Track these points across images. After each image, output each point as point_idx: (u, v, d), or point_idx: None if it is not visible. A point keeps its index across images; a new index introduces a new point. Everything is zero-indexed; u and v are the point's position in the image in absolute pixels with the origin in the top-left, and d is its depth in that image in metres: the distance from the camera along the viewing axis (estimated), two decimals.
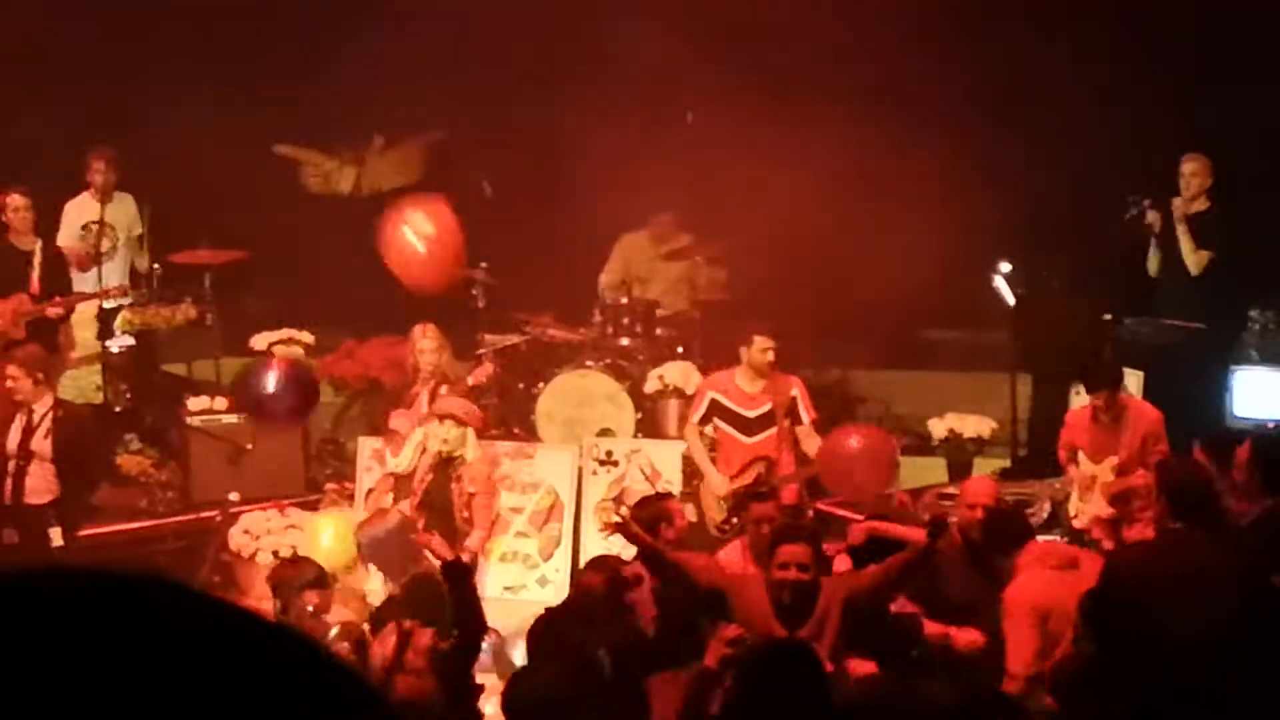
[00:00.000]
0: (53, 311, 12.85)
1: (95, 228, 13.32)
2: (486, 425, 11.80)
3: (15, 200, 12.87)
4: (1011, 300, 12.79)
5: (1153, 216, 12.21)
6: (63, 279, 13.07)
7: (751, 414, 11.34)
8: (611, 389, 12.95)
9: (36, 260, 12.87)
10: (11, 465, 11.07)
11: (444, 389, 11.72)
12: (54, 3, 14.66)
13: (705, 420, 11.51)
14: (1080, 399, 11.25)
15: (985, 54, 13.87)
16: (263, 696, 1.09)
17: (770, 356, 11.26)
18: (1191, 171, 12.26)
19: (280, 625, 1.15)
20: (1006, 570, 8.68)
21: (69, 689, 1.04)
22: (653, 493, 11.09)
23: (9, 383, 11.12)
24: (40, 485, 11.08)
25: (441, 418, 10.98)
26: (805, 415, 11.37)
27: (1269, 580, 7.82)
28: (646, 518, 9.47)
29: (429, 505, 10.84)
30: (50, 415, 11.11)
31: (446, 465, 10.90)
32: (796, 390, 11.42)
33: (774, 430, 11.30)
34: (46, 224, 13.23)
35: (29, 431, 11.08)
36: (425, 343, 11.97)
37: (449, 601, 8.27)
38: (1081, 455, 10.90)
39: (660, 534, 9.38)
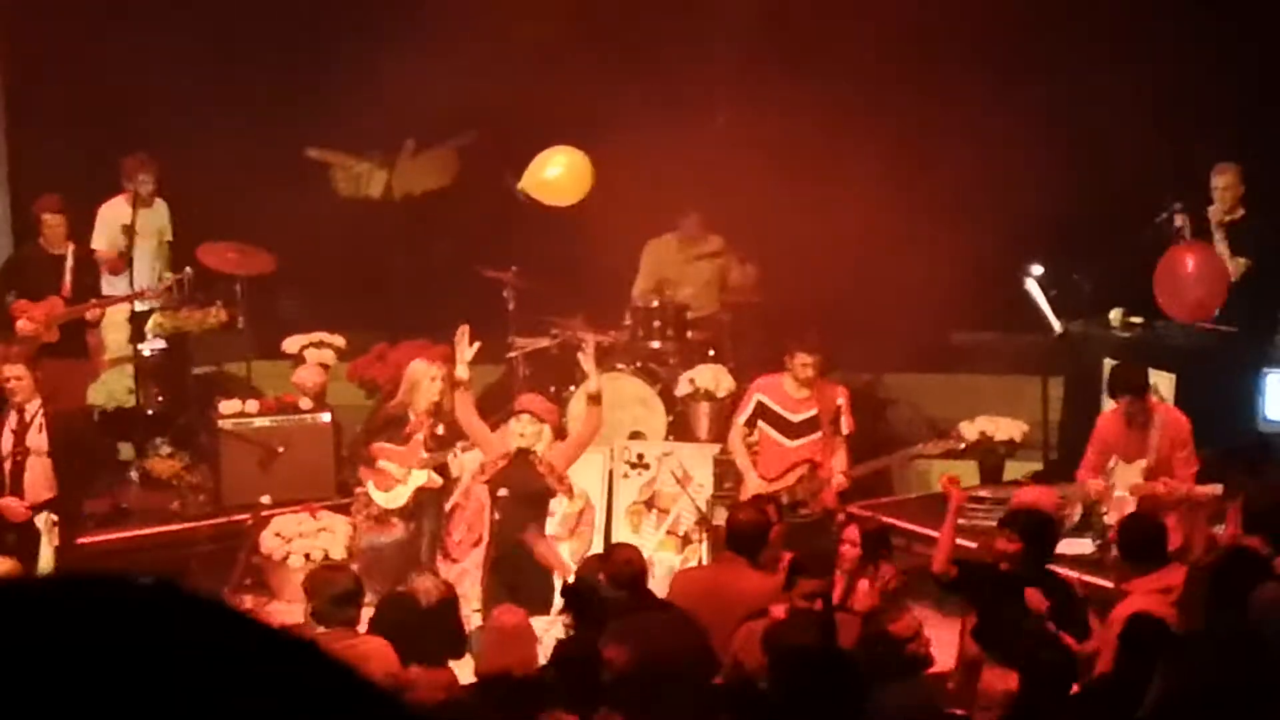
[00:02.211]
0: (93, 314, 12.93)
1: (129, 233, 13.38)
2: (562, 427, 11.77)
3: (50, 219, 12.91)
4: (1043, 302, 12.75)
5: (1182, 221, 12.15)
6: (94, 282, 13.14)
7: (795, 418, 11.36)
8: (643, 392, 12.96)
9: (68, 264, 12.93)
10: (9, 464, 11.11)
11: (440, 428, 11.60)
12: (88, 3, 14.71)
13: (750, 422, 11.52)
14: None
15: (1018, 60, 13.83)
16: (264, 702, 1.09)
17: (810, 373, 11.27)
18: (1225, 184, 12.19)
19: (285, 630, 1.15)
20: None
21: (73, 694, 1.05)
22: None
23: (11, 382, 11.16)
24: (40, 483, 11.13)
25: (519, 413, 10.93)
26: (844, 426, 11.38)
27: None
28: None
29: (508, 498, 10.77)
30: (41, 412, 11.17)
31: (522, 456, 10.85)
32: (842, 400, 11.44)
33: (816, 436, 11.32)
34: (79, 229, 13.29)
35: (23, 429, 11.14)
36: (434, 370, 11.49)
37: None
38: (1118, 459, 10.88)
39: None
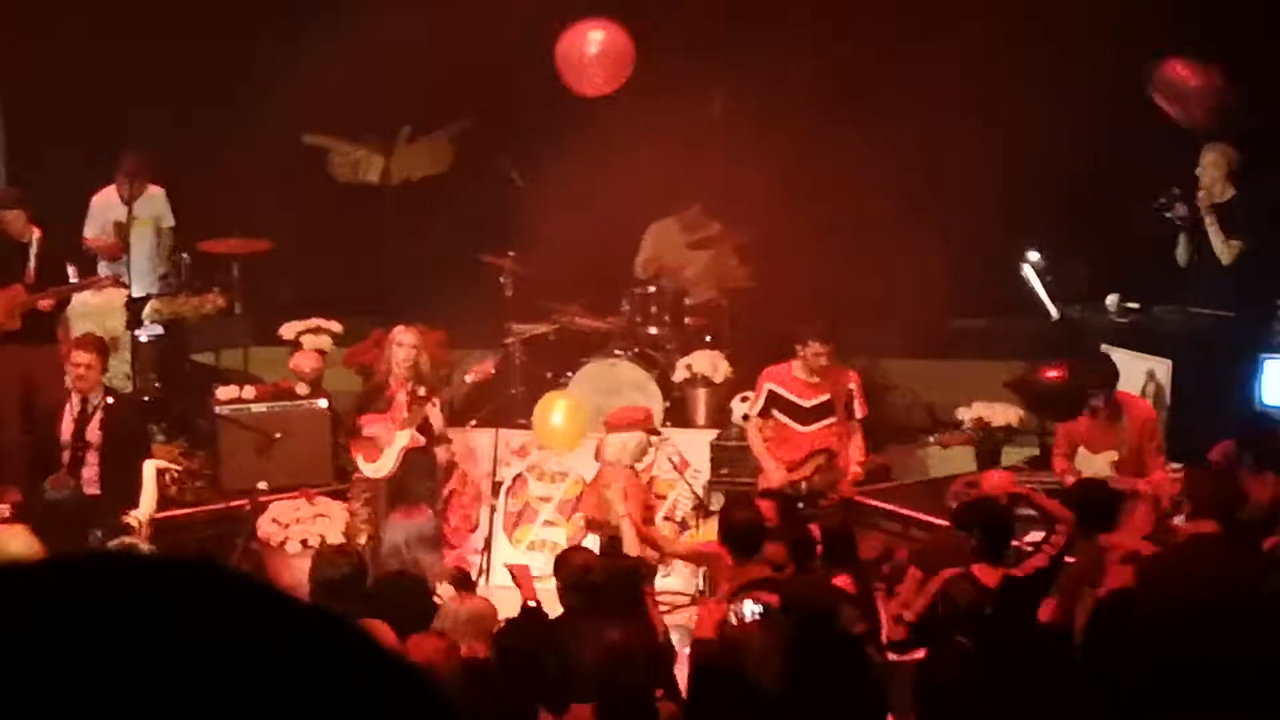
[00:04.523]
0: (44, 304, 12.55)
1: (124, 224, 13.34)
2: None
3: (7, 215, 12.48)
4: (1040, 288, 12.77)
5: (1179, 208, 12.14)
6: (59, 270, 12.74)
7: (808, 404, 11.27)
8: (640, 378, 12.95)
9: (33, 251, 12.60)
10: (67, 455, 10.97)
11: (422, 390, 11.63)
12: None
13: (765, 413, 11.43)
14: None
15: (1016, 46, 13.83)
16: (314, 685, 1.09)
17: (823, 362, 11.18)
18: (1211, 162, 12.17)
19: (327, 612, 1.14)
20: None
21: (120, 674, 1.05)
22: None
23: (81, 369, 11.06)
24: (95, 476, 11.00)
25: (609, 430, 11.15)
26: (857, 410, 11.32)
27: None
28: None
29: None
30: (101, 405, 11.08)
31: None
32: (853, 384, 11.38)
33: (830, 421, 11.24)
34: (71, 216, 13.24)
35: (83, 421, 11.07)
36: (406, 337, 11.68)
37: None
38: (1082, 450, 10.89)
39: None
